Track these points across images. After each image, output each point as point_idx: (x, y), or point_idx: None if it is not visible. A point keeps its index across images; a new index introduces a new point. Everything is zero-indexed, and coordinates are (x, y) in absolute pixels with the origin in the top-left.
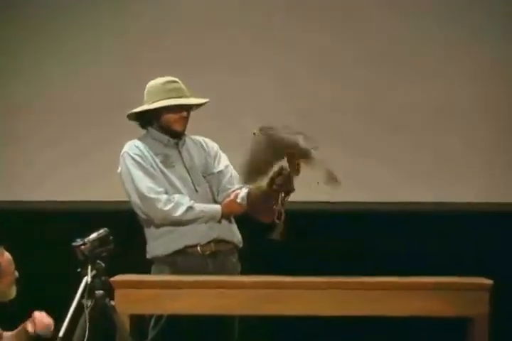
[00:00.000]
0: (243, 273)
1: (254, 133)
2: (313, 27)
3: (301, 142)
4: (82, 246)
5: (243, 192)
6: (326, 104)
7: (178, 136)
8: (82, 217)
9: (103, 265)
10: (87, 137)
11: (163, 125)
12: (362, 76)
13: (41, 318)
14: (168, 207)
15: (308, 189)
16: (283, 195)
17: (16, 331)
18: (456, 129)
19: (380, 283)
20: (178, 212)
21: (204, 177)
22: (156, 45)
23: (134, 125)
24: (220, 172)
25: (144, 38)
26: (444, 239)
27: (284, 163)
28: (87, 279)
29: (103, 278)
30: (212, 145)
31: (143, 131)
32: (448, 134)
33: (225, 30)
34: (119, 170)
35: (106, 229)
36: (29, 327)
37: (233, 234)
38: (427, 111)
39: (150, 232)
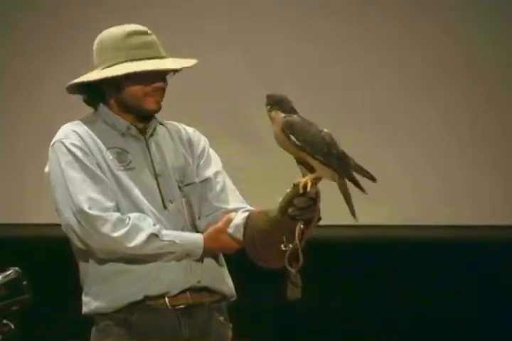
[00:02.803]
0: (236, 338)
1: (269, 108)
2: None
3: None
4: None
5: (239, 217)
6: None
7: (149, 117)
8: None
9: (12, 326)
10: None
11: (128, 102)
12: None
13: None
14: (119, 233)
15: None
16: (302, 225)
17: None
18: None
19: None
20: (135, 242)
21: (180, 188)
22: None
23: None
24: (207, 181)
25: None
26: None
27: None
28: None
29: None
30: (199, 139)
31: None
32: None
33: None
34: (46, 170)
35: (17, 268)
36: None
37: (221, 280)
38: None
39: (89, 272)
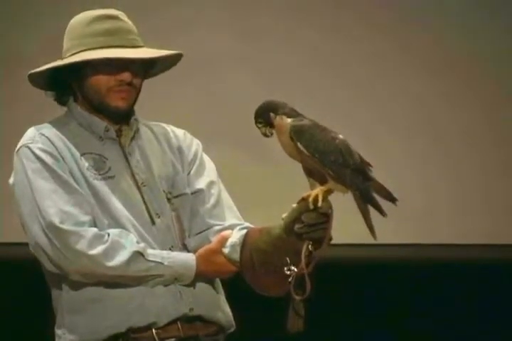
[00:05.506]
0: None
1: (272, 115)
2: None
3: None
4: None
5: (236, 235)
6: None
7: (120, 117)
8: None
9: None
10: None
11: (92, 99)
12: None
13: None
14: (96, 250)
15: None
16: (311, 246)
17: None
18: None
19: None
20: (115, 261)
21: (169, 200)
22: None
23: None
24: (199, 193)
25: None
26: None
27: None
28: None
29: None
30: (190, 143)
31: None
32: None
33: None
34: (11, 181)
35: None
36: None
37: (217, 308)
38: None
39: (62, 299)
